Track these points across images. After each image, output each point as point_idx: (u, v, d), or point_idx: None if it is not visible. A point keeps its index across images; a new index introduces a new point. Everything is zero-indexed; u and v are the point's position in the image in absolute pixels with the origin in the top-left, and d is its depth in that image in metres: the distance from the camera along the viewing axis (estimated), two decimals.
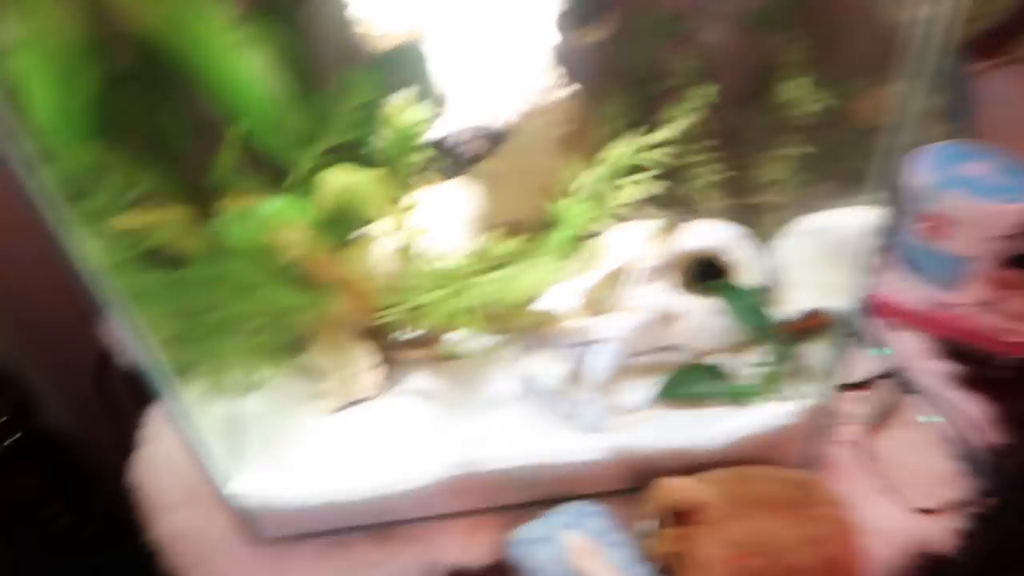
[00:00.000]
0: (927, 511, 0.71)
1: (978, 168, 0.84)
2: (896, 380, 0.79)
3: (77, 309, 1.07)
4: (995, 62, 0.91)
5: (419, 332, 0.75)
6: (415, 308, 0.67)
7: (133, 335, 0.54)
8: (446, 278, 0.67)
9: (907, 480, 0.73)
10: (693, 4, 0.70)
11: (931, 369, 0.84)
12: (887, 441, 0.77)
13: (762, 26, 0.70)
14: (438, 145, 0.61)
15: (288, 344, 0.74)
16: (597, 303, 0.72)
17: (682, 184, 0.67)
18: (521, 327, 0.70)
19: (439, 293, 0.66)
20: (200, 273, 0.64)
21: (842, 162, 0.68)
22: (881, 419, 0.78)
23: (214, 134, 0.75)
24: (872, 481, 0.73)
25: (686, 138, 0.67)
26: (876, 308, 0.87)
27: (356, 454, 0.73)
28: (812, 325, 0.69)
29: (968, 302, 0.87)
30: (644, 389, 0.74)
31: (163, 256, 0.65)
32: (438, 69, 0.65)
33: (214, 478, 0.67)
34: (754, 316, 0.68)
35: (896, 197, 0.61)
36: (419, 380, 0.78)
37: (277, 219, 0.61)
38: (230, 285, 0.65)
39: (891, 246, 0.90)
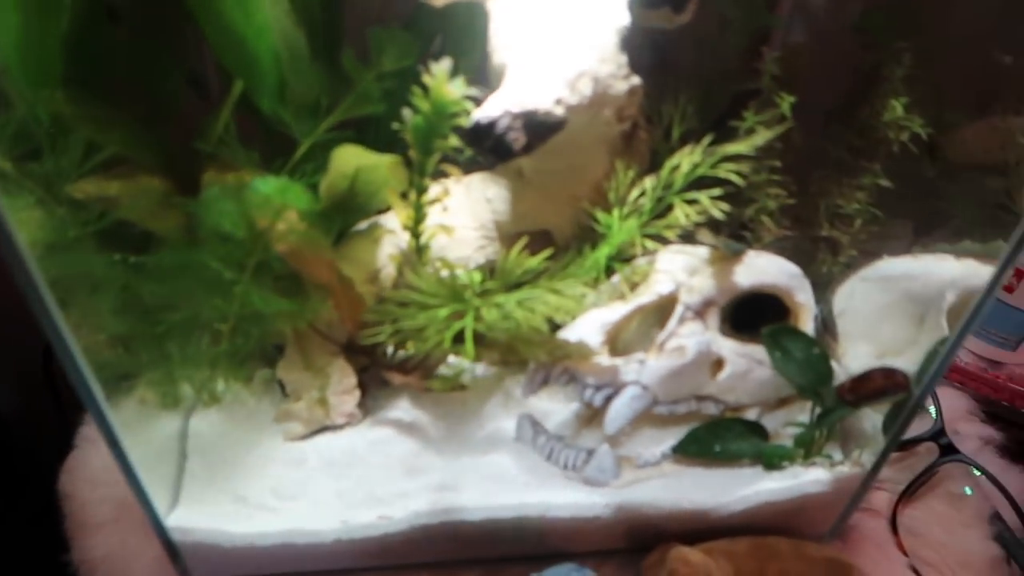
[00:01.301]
0: None
1: None
2: (937, 444, 0.71)
3: None
4: None
5: (409, 354, 0.63)
6: (411, 326, 0.56)
7: (60, 332, 0.42)
8: (454, 293, 0.55)
9: (937, 562, 0.66)
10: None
11: (974, 434, 0.75)
12: (921, 514, 0.69)
13: (869, 32, 0.60)
14: (476, 130, 0.50)
15: (255, 354, 0.61)
16: (628, 339, 0.61)
17: (740, 207, 0.57)
18: (534, 360, 0.59)
19: (442, 311, 0.55)
20: (163, 260, 0.51)
21: (929, 201, 0.59)
22: (916, 489, 0.70)
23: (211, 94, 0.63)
24: (900, 560, 0.66)
25: (753, 154, 0.58)
26: None
27: (318, 491, 0.62)
28: (875, 387, 0.59)
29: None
30: (663, 441, 0.64)
31: (124, 237, 0.52)
32: (494, 39, 0.53)
33: (149, 508, 0.54)
34: (813, 371, 0.59)
35: None
36: (402, 411, 0.67)
37: (269, 202, 0.48)
38: (198, 278, 0.52)
39: None
